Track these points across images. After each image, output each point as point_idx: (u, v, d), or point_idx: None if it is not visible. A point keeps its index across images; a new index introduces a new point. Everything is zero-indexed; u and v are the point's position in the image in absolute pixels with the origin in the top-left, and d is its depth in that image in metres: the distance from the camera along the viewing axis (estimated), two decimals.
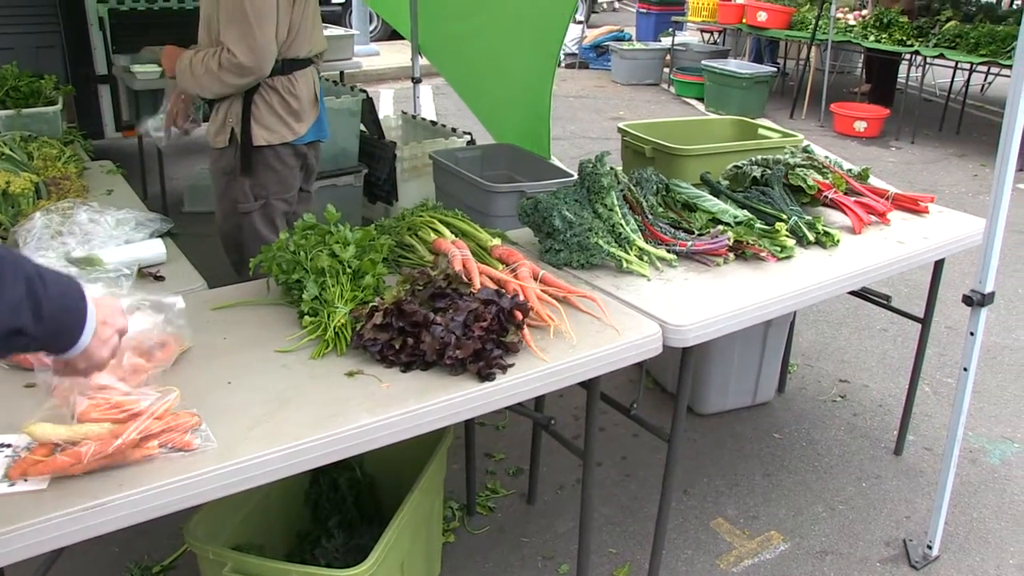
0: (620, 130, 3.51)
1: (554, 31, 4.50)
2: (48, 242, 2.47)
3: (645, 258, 2.57)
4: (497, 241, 2.46)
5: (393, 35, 11.23)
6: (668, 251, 2.62)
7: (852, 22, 9.60)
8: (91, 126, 6.21)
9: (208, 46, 3.17)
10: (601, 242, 2.53)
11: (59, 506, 1.47)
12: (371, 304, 2.04)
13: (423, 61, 5.70)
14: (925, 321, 3.41)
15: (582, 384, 2.18)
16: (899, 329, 4.69)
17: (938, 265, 3.23)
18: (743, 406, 3.89)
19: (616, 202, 2.64)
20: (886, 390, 4.12)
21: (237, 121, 3.23)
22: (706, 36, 13.11)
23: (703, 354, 3.55)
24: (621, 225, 2.60)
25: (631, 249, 2.58)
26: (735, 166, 3.14)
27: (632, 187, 2.77)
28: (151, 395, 1.65)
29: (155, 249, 2.58)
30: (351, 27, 11.82)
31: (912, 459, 3.60)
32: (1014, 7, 11.30)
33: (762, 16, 10.43)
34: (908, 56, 8.98)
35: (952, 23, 8.99)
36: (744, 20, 10.81)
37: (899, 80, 10.27)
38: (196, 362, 1.98)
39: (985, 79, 10.70)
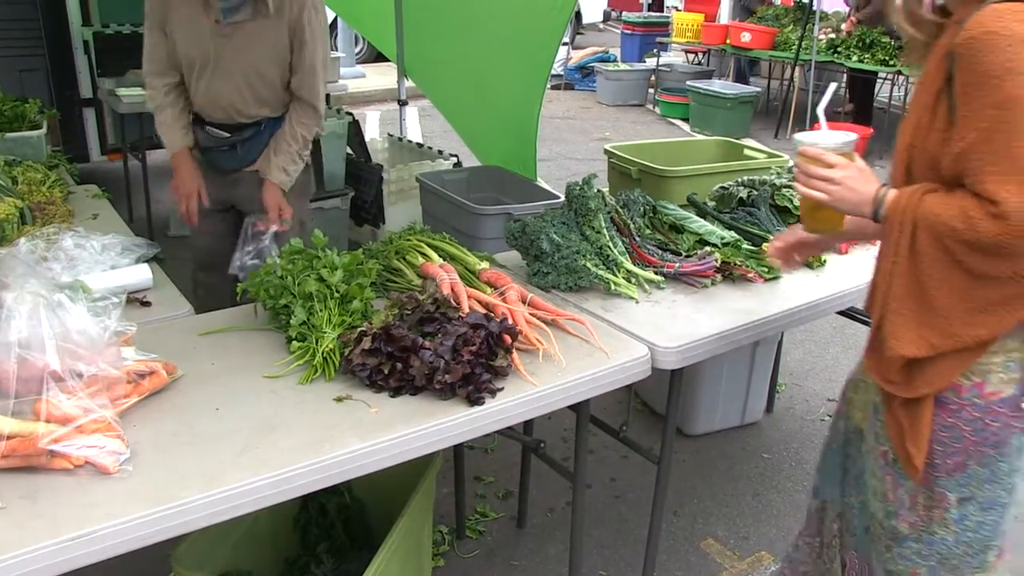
0: (606, 152, 3.53)
1: (543, 54, 4.52)
2: (20, 266, 2.45)
3: (633, 280, 2.58)
4: (485, 264, 2.46)
5: (379, 57, 11.27)
6: (656, 273, 2.62)
7: (844, 29, 9.63)
8: (76, 149, 6.19)
9: (242, 88, 3.18)
10: (589, 264, 2.53)
11: (44, 536, 1.46)
12: (359, 329, 2.03)
13: (409, 83, 5.71)
14: None
15: (571, 407, 2.18)
16: None
17: None
18: (732, 426, 3.89)
19: (604, 224, 2.65)
20: None
21: None
22: (690, 57, 13.20)
23: (691, 375, 3.55)
24: (609, 247, 2.61)
25: (619, 271, 2.58)
26: (721, 187, 3.15)
27: (619, 209, 2.78)
28: (91, 408, 1.71)
29: (142, 275, 2.57)
30: (337, 49, 11.85)
31: None
32: None
33: (746, 37, 10.50)
34: (891, 76, 9.06)
35: None
36: (728, 41, 10.89)
37: (883, 100, 10.35)
38: (184, 388, 1.97)
39: None
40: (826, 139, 1.87)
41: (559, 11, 4.38)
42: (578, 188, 2.72)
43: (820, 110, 2.02)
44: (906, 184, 1.76)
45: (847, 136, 1.89)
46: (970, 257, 1.62)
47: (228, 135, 3.25)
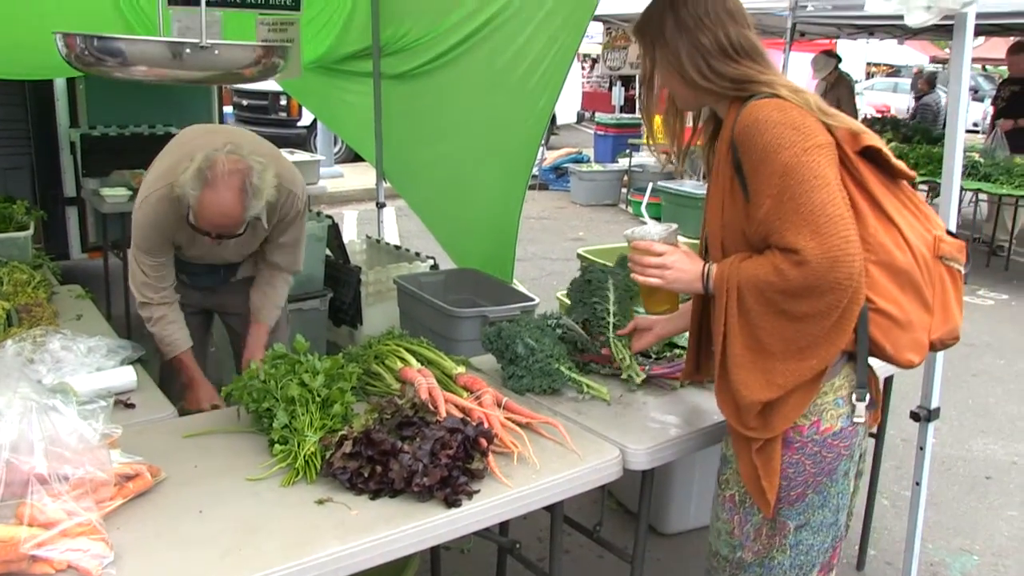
0: (579, 256, 3.64)
1: (522, 160, 4.64)
2: (15, 371, 2.50)
3: (627, 361, 2.69)
4: (462, 369, 2.55)
5: (357, 157, 11.47)
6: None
7: None
8: (57, 247, 6.26)
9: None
10: (563, 368, 2.62)
11: None
12: (340, 432, 2.10)
13: (386, 184, 5.85)
14: (878, 436, 3.50)
15: (546, 507, 2.24)
16: None
17: (888, 381, 3.34)
18: (706, 524, 3.91)
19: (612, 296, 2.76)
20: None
21: None
22: (662, 157, 13.48)
23: (664, 473, 3.60)
24: (622, 319, 2.73)
25: (621, 350, 2.70)
26: None
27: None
28: (75, 511, 1.74)
29: (126, 377, 2.62)
30: (316, 150, 12.10)
31: (874, 574, 3.63)
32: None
33: None
34: None
35: (892, 144, 9.45)
36: (698, 142, 11.15)
37: None
38: (168, 490, 2.02)
39: (927, 196, 11.14)
40: (652, 231, 2.17)
41: (536, 120, 4.55)
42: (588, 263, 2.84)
43: (643, 208, 2.36)
44: (723, 257, 2.07)
45: (670, 226, 2.20)
46: (789, 303, 1.91)
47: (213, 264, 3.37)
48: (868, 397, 2.06)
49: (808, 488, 2.09)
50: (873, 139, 2.00)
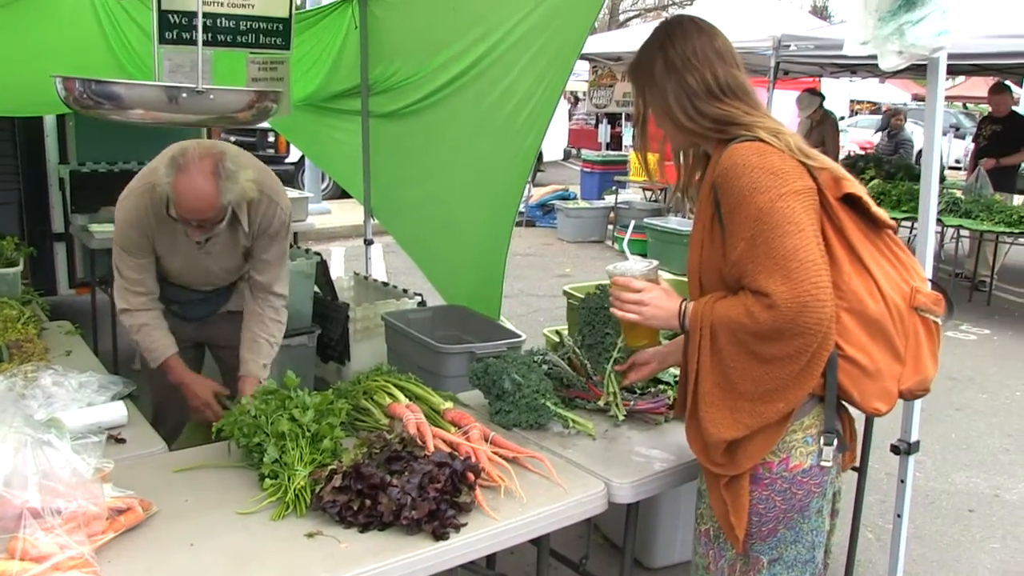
0: (565, 293, 3.68)
1: (508, 198, 4.68)
2: (10, 406, 2.52)
3: (615, 398, 2.73)
4: (449, 404, 2.59)
5: (344, 194, 11.51)
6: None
7: None
8: (44, 283, 6.24)
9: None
10: (549, 403, 2.66)
11: None
12: (330, 467, 2.14)
13: (374, 221, 5.90)
14: (861, 470, 3.53)
15: (532, 541, 2.27)
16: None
17: (869, 416, 3.38)
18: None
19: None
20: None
21: None
22: (648, 194, 13.62)
23: (649, 507, 3.62)
24: (623, 351, 2.76)
25: (613, 383, 2.74)
26: None
27: (577, 350, 2.92)
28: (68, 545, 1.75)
29: (117, 412, 2.65)
30: (303, 186, 12.13)
31: None
32: None
33: None
34: None
35: (876, 181, 9.57)
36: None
37: None
38: (158, 524, 2.04)
39: (910, 232, 11.25)
40: (633, 267, 2.21)
41: (523, 157, 4.60)
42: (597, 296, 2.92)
43: (625, 244, 2.40)
44: (701, 295, 2.12)
45: (651, 262, 2.24)
46: (759, 345, 1.94)
47: (202, 290, 3.39)
48: (836, 441, 2.07)
49: (779, 524, 2.10)
50: (854, 186, 2.02)
